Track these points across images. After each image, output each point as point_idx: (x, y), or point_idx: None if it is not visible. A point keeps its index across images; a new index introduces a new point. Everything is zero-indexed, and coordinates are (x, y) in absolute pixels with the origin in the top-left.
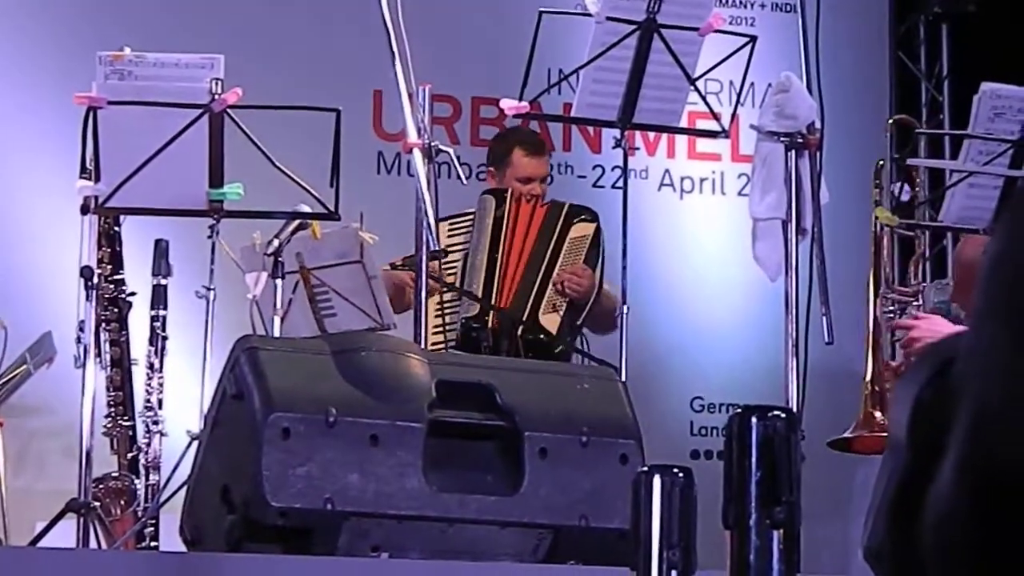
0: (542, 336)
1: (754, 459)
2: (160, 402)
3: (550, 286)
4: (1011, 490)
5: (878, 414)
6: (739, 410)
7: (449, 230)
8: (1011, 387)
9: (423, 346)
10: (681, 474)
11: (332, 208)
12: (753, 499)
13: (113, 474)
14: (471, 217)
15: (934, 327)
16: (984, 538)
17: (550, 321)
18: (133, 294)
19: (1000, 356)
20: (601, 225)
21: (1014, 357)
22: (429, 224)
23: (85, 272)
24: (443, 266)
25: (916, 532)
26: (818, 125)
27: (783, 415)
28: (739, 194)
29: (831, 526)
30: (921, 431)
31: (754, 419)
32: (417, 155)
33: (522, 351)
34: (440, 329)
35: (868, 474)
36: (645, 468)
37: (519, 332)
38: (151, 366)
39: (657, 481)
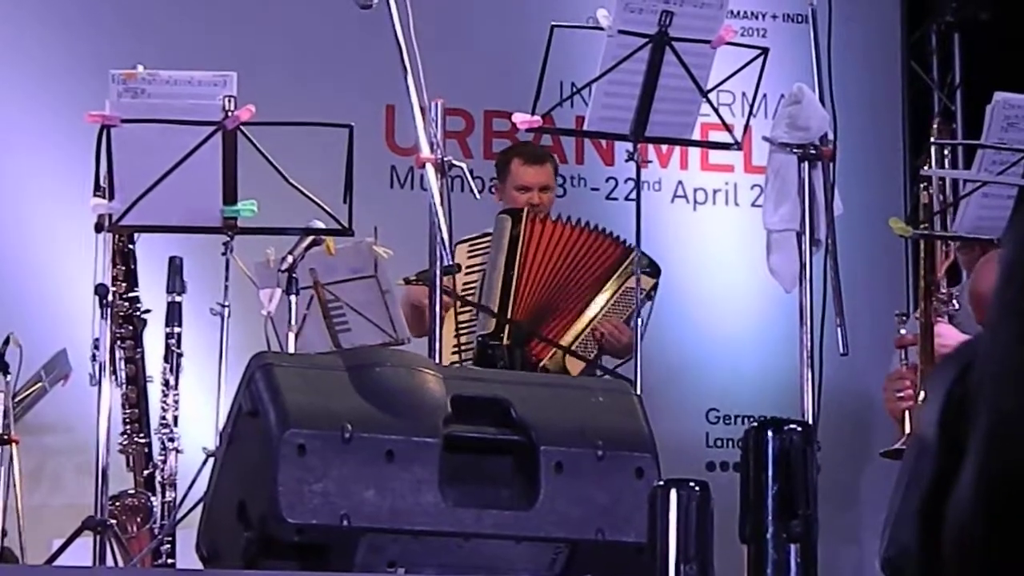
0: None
1: (770, 473)
2: (176, 419)
3: (588, 328)
4: None
5: None
6: (755, 424)
7: (469, 250)
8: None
9: (439, 362)
10: (697, 488)
11: (346, 224)
12: (770, 513)
13: (129, 491)
14: (490, 238)
15: (944, 340)
16: (1001, 543)
17: (574, 365)
18: (148, 311)
19: (1013, 361)
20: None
21: None
22: (443, 239)
23: (100, 290)
24: (463, 287)
25: (942, 534)
26: (831, 136)
27: (799, 428)
28: (752, 205)
29: (847, 537)
30: (951, 428)
31: (770, 433)
32: (430, 170)
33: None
34: (456, 350)
35: (882, 483)
36: (661, 482)
37: (533, 350)
38: (166, 383)
39: (673, 495)
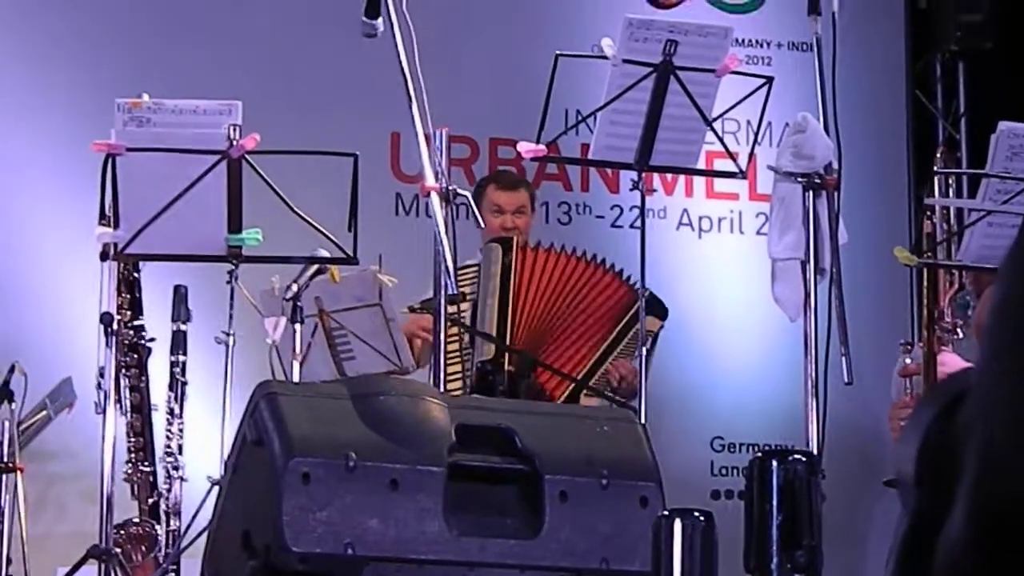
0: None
1: (775, 503)
2: (180, 448)
3: (600, 371)
4: (1020, 532)
5: None
6: (760, 454)
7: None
8: (1016, 430)
9: (442, 390)
10: (702, 518)
11: (351, 253)
12: (774, 543)
13: (134, 520)
14: (475, 268)
15: (948, 368)
16: None
17: (587, 402)
18: (152, 340)
19: (1006, 399)
20: (664, 323)
21: (1019, 400)
22: (447, 268)
23: (105, 318)
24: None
25: (928, 573)
26: (835, 165)
27: (804, 459)
28: (757, 233)
29: (853, 567)
30: (930, 469)
31: (775, 463)
32: (435, 198)
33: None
34: (459, 376)
35: (888, 512)
36: (666, 512)
37: (546, 385)
38: (171, 412)
39: (678, 525)
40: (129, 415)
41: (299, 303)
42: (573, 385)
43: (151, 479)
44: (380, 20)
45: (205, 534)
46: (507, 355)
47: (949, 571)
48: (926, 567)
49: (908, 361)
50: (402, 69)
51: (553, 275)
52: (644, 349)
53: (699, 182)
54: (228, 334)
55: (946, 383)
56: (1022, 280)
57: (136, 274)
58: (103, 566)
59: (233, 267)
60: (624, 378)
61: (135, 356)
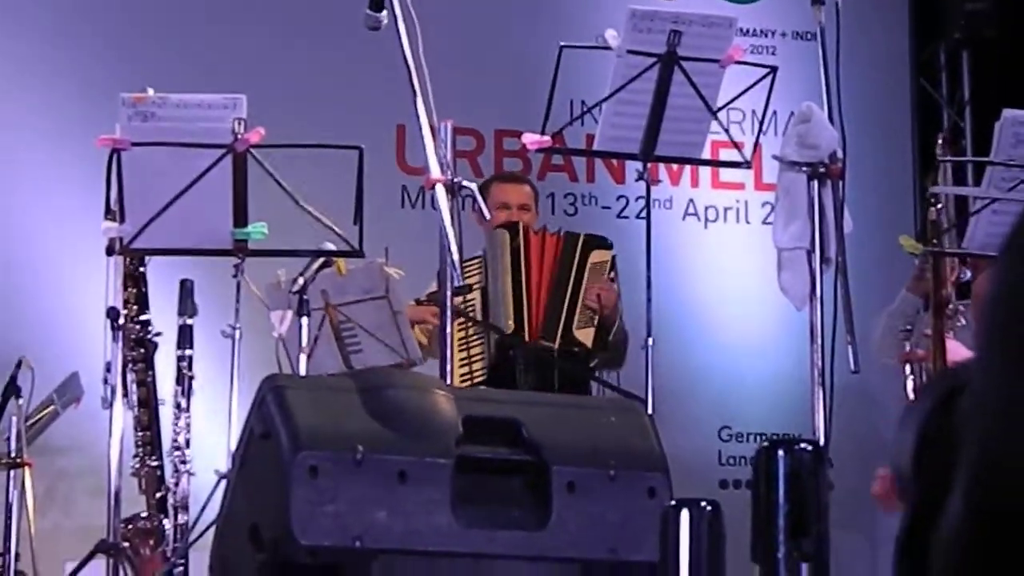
0: (577, 349)
1: (781, 492)
2: (187, 442)
3: (579, 305)
4: (1017, 524)
5: None
6: (766, 443)
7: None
8: (1012, 424)
9: (449, 379)
10: (709, 507)
11: (356, 246)
12: (781, 532)
13: (142, 514)
14: (479, 259)
15: (955, 355)
16: (991, 572)
17: (585, 335)
18: (159, 334)
19: (1001, 393)
20: (615, 253)
21: (1015, 394)
22: (453, 261)
23: (111, 313)
24: (464, 304)
25: (927, 564)
26: (840, 154)
27: (810, 448)
28: (763, 223)
29: (859, 555)
30: (927, 461)
31: (781, 452)
32: (440, 191)
33: (556, 377)
34: (466, 361)
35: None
36: (673, 502)
37: (555, 348)
38: (178, 406)
39: (685, 515)
40: (136, 409)
41: (305, 296)
42: (562, 324)
43: (158, 473)
44: (384, 12)
45: (213, 528)
46: (527, 329)
47: (946, 559)
48: (925, 555)
49: (907, 347)
50: (407, 61)
51: (548, 255)
52: (612, 275)
53: (704, 172)
54: (234, 328)
55: (943, 374)
56: (1018, 269)
57: (142, 268)
58: (111, 560)
59: (239, 261)
60: (600, 292)
61: (142, 350)
